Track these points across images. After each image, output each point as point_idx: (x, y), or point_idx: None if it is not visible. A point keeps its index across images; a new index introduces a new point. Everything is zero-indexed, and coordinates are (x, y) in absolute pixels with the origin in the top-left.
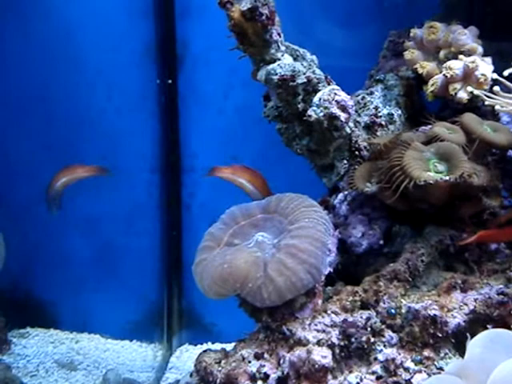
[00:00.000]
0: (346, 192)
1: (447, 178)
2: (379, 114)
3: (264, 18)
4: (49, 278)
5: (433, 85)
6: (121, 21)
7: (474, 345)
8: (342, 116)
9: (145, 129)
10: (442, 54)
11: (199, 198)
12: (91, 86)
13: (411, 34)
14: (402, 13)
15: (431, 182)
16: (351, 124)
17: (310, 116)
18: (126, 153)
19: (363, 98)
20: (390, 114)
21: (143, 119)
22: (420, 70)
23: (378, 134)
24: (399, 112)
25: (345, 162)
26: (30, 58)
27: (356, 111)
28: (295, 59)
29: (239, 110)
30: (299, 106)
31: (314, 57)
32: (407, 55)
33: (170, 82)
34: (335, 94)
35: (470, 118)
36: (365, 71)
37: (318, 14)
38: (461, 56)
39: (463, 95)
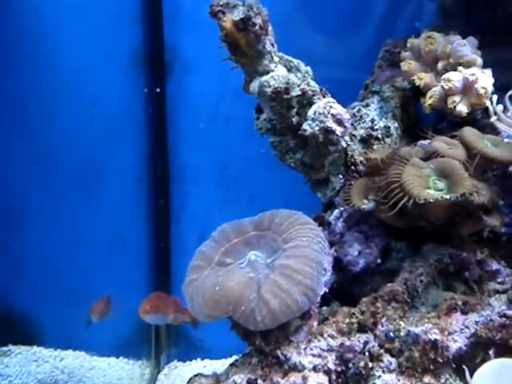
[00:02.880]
0: (341, 208)
1: (448, 196)
2: (375, 127)
3: (257, 28)
4: (32, 293)
5: (431, 97)
6: (107, 26)
7: (479, 379)
8: (338, 130)
9: (132, 138)
10: (440, 65)
11: (189, 209)
12: (76, 93)
13: (408, 44)
14: (397, 21)
15: (431, 200)
16: (347, 138)
17: (305, 130)
18: (112, 163)
19: (359, 110)
20: (387, 127)
21: (130, 128)
22: (417, 82)
23: (375, 147)
24: (396, 125)
25: (340, 176)
26: (12, 65)
27: (352, 124)
28: (289, 70)
29: (229, 119)
30: (293, 119)
31: (309, 68)
32: (404, 66)
33: (158, 90)
34: (331, 107)
35: (470, 133)
36: (357, 82)
37: (308, 23)
38: (460, 68)
39: (463, 108)
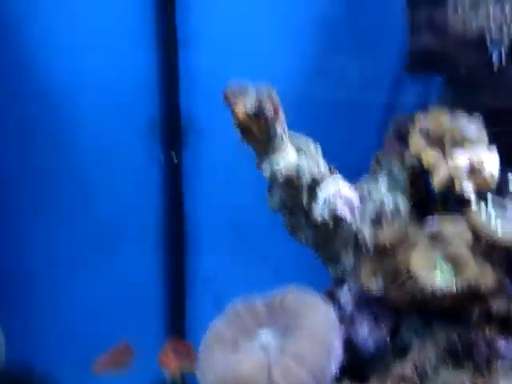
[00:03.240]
0: (351, 286)
1: (454, 288)
2: (385, 205)
3: (268, 115)
4: (52, 356)
5: (438, 177)
6: (123, 93)
7: None
8: (348, 215)
9: (148, 201)
10: (447, 144)
11: (203, 272)
12: (94, 160)
13: (416, 122)
14: (406, 95)
15: (438, 291)
16: (357, 216)
17: (315, 217)
18: (127, 228)
19: (368, 187)
20: (396, 205)
21: (147, 192)
22: (425, 162)
23: (384, 225)
24: (405, 201)
25: (350, 255)
26: (28, 130)
27: (361, 202)
28: (299, 150)
29: (245, 184)
30: (304, 200)
31: (318, 146)
32: (412, 144)
33: (173, 155)
34: (340, 190)
35: (476, 216)
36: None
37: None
38: (466, 148)
39: (470, 191)
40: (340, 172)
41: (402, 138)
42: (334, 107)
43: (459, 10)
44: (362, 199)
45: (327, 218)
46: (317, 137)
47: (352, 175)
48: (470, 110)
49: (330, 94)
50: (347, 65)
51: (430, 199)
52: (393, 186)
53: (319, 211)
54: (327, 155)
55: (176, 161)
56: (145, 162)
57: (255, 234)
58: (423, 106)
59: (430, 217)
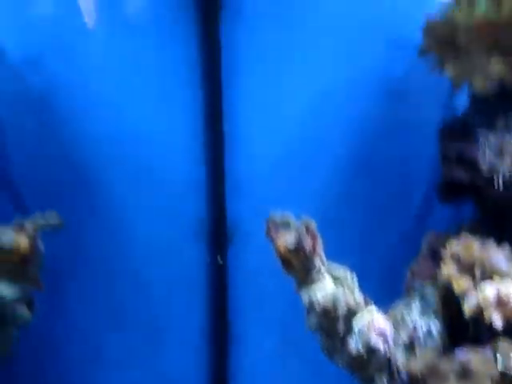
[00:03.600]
0: None
1: None
2: (417, 330)
3: (307, 249)
4: None
5: (468, 305)
6: (172, 196)
7: None
8: (381, 346)
9: (192, 304)
10: (477, 272)
11: (247, 370)
12: (143, 261)
13: (448, 247)
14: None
15: None
16: (390, 345)
17: (350, 349)
18: (170, 328)
19: (401, 312)
20: (429, 329)
21: (190, 294)
22: (456, 288)
23: (417, 351)
24: (438, 325)
25: (385, 381)
26: (81, 233)
27: (394, 328)
28: (336, 280)
29: (290, 288)
30: (339, 329)
31: (354, 276)
32: (444, 270)
33: (219, 260)
34: (374, 320)
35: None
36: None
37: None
38: (495, 278)
39: (498, 323)
40: (373, 289)
41: (435, 256)
42: (368, 227)
43: (487, 154)
44: (395, 325)
45: (361, 350)
46: (353, 254)
47: (386, 290)
48: (500, 238)
49: (366, 215)
50: (379, 189)
51: (462, 320)
52: (425, 308)
53: (353, 343)
54: (361, 272)
55: (221, 262)
56: (191, 262)
57: (298, 335)
58: (457, 224)
59: (459, 348)
